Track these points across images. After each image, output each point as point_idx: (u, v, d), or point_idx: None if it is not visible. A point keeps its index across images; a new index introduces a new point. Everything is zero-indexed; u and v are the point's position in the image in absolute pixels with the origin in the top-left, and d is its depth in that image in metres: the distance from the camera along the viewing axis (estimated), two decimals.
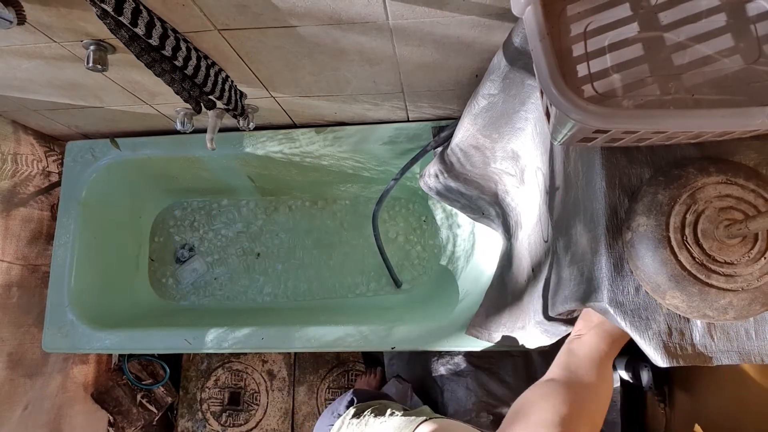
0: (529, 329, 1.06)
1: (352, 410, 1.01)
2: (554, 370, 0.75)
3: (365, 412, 0.98)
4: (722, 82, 0.63)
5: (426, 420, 0.83)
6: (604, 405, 0.71)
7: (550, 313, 0.89)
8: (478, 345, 1.38)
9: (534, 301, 1.02)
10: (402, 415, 0.92)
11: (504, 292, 1.28)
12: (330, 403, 1.15)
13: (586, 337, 0.76)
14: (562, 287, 0.84)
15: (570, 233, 0.83)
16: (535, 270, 1.08)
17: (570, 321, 0.93)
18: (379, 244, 1.71)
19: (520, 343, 1.16)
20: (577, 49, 0.66)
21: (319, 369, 1.93)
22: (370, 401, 1.05)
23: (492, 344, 1.32)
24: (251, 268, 1.91)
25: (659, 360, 0.67)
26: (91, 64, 1.01)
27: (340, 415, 1.02)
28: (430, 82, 1.21)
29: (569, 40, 0.67)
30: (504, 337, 1.23)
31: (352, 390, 1.15)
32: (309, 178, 1.73)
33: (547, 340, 1.01)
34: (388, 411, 0.95)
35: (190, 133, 1.38)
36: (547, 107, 0.69)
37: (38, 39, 1.01)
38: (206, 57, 1.05)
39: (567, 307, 0.80)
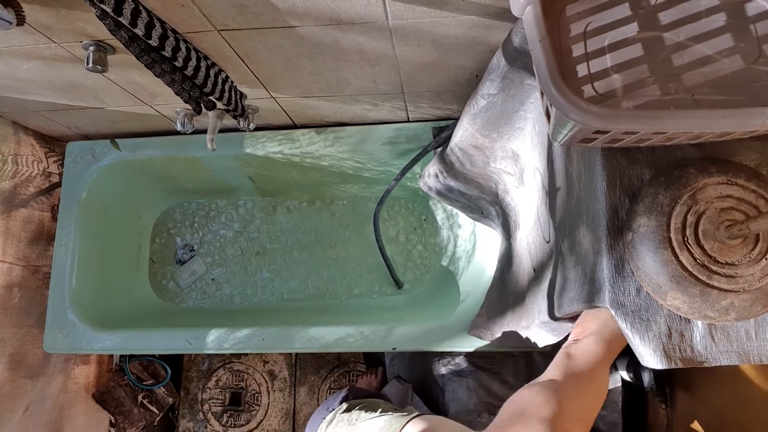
0: (534, 329, 1.06)
1: (344, 405, 1.04)
2: (550, 372, 0.76)
3: (356, 408, 1.01)
4: (722, 82, 0.63)
5: (417, 416, 0.84)
6: (596, 407, 0.72)
7: (557, 314, 0.89)
8: (479, 345, 1.38)
9: (538, 301, 1.02)
10: (392, 413, 0.94)
11: (505, 292, 1.28)
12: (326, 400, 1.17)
13: (583, 343, 0.77)
14: (568, 289, 0.83)
15: (574, 234, 0.82)
16: (537, 270, 1.08)
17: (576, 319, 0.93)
18: (380, 245, 1.71)
19: (526, 341, 1.16)
20: (577, 49, 0.66)
21: (320, 369, 1.93)
22: (363, 399, 1.08)
23: (496, 344, 1.32)
24: (251, 268, 1.91)
25: (656, 362, 0.67)
26: (90, 65, 1.01)
27: (333, 410, 1.04)
28: (430, 82, 1.21)
29: (569, 40, 0.67)
30: (508, 337, 1.23)
31: (348, 387, 1.17)
32: (309, 178, 1.73)
33: (553, 339, 1.01)
34: (379, 408, 0.98)
35: (191, 133, 1.38)
36: (547, 108, 0.68)
37: (38, 40, 1.01)
38: (206, 57, 1.04)
39: (574, 308, 0.80)
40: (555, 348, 1.01)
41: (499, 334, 1.26)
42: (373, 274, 1.85)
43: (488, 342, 1.33)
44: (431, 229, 1.87)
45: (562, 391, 0.70)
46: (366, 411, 0.98)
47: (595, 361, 0.74)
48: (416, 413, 0.88)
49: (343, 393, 1.13)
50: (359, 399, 1.07)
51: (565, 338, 0.86)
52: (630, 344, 0.70)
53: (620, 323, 0.69)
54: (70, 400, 1.69)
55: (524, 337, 1.15)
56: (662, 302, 0.67)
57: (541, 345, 1.09)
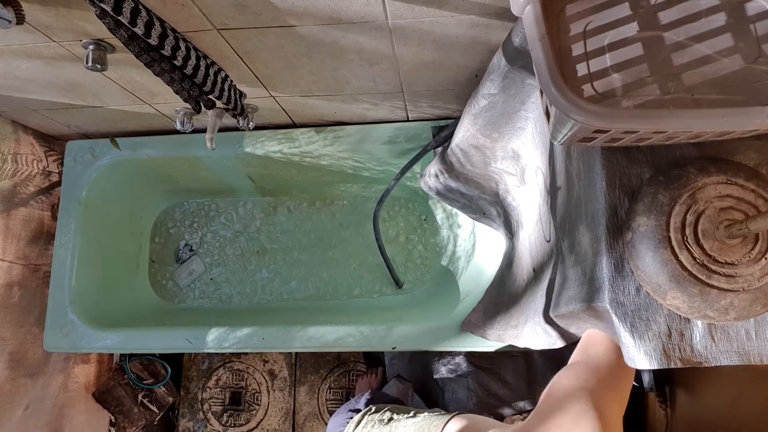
0: (522, 329, 1.06)
1: (372, 407, 1.02)
2: (575, 355, 0.77)
3: (385, 410, 0.99)
4: (722, 81, 0.63)
5: (456, 414, 0.84)
6: (628, 381, 0.73)
7: (552, 313, 0.89)
8: (478, 345, 1.37)
9: (536, 300, 1.02)
10: (426, 413, 0.93)
11: (502, 291, 1.28)
12: (337, 408, 1.16)
13: None
14: (567, 288, 0.83)
15: (573, 234, 0.82)
16: (537, 270, 1.08)
17: (563, 334, 0.92)
18: (379, 245, 1.71)
19: (510, 342, 1.16)
20: (577, 49, 0.66)
21: (320, 369, 1.93)
22: (387, 403, 1.07)
23: (486, 341, 1.32)
24: (251, 268, 1.91)
25: (648, 363, 0.67)
26: (90, 64, 1.01)
27: (358, 411, 1.03)
28: (430, 82, 1.21)
29: (569, 40, 0.67)
30: (497, 335, 1.23)
31: (370, 390, 1.16)
32: (309, 178, 1.73)
33: (536, 344, 1.01)
34: (412, 410, 0.97)
35: (190, 132, 1.38)
36: (546, 107, 0.68)
37: (37, 39, 1.01)
38: (205, 56, 1.04)
39: (571, 307, 0.80)
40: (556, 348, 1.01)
41: (489, 332, 1.26)
42: (374, 274, 1.85)
43: (500, 343, 1.32)
44: (431, 229, 1.87)
45: (588, 367, 0.71)
46: (397, 413, 0.96)
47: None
48: (455, 412, 0.87)
49: (367, 396, 1.12)
50: (384, 403, 1.06)
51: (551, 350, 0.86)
52: (620, 344, 0.70)
53: (618, 322, 0.68)
54: (70, 399, 1.69)
55: (510, 337, 1.14)
56: (662, 302, 0.67)
57: (521, 346, 1.09)
